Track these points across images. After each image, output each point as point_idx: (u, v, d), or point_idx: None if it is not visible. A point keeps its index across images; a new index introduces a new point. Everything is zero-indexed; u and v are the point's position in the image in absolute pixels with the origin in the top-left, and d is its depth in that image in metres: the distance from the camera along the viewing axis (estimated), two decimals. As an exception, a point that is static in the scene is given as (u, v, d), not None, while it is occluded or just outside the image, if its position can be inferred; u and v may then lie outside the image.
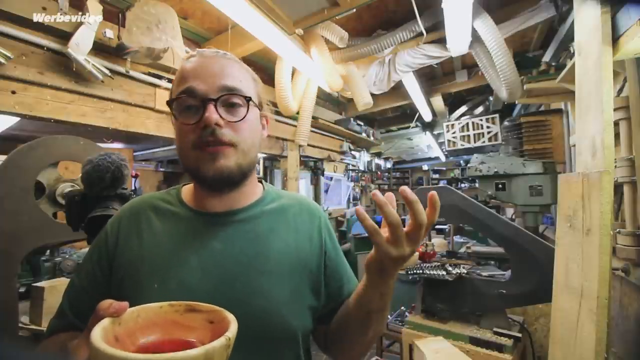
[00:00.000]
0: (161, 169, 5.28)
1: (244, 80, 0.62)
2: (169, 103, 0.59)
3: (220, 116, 0.56)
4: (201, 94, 0.56)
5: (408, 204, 0.46)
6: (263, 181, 0.73)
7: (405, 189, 0.46)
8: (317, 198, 5.22)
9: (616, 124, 1.23)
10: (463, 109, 4.64)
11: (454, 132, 3.83)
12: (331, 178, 5.85)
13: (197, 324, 0.43)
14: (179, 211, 0.64)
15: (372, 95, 3.20)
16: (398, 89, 3.81)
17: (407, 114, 5.37)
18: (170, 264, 0.57)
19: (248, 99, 0.60)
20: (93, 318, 0.40)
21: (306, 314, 0.62)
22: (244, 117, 0.59)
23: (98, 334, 0.35)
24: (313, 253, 0.66)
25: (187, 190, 0.68)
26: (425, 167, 9.13)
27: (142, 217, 0.63)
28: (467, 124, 3.76)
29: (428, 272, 1.58)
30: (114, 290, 0.58)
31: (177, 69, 0.64)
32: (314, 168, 5.19)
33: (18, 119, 2.22)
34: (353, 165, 6.38)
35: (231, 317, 0.41)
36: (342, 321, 0.66)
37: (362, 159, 6.73)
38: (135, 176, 2.21)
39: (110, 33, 2.04)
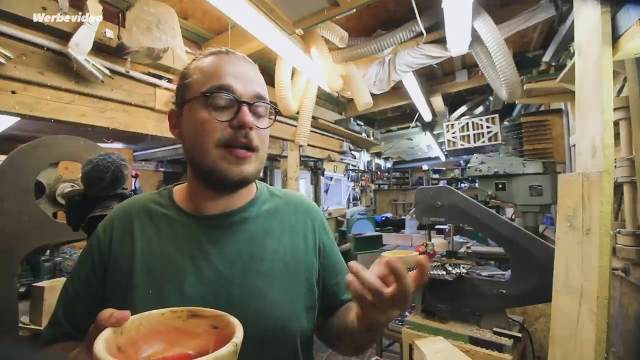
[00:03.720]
0: (161, 169, 5.28)
1: (267, 92, 0.64)
2: (204, 94, 0.56)
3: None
4: (239, 95, 0.58)
5: (396, 277, 0.44)
6: (256, 180, 0.73)
7: (390, 261, 0.44)
8: (317, 198, 5.22)
9: (616, 124, 1.23)
10: (463, 109, 4.64)
11: (453, 132, 3.82)
12: (331, 178, 5.86)
13: (200, 330, 0.42)
14: (172, 214, 0.63)
15: (372, 95, 3.20)
16: (398, 89, 3.81)
17: (407, 114, 5.37)
18: (165, 269, 0.57)
19: (277, 112, 0.65)
20: (93, 328, 0.39)
21: (303, 315, 0.61)
22: (269, 126, 0.63)
23: (101, 346, 0.34)
24: (308, 251, 0.66)
25: (179, 191, 0.67)
26: (425, 167, 9.12)
27: (135, 220, 0.62)
28: (467, 124, 3.75)
29: (428, 272, 1.58)
30: (109, 296, 0.57)
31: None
32: (314, 168, 5.19)
33: (18, 119, 2.22)
34: (353, 165, 6.39)
35: (236, 322, 0.40)
36: (341, 330, 0.65)
37: (362, 159, 6.73)
38: (135, 176, 2.20)
39: (110, 33, 2.04)
